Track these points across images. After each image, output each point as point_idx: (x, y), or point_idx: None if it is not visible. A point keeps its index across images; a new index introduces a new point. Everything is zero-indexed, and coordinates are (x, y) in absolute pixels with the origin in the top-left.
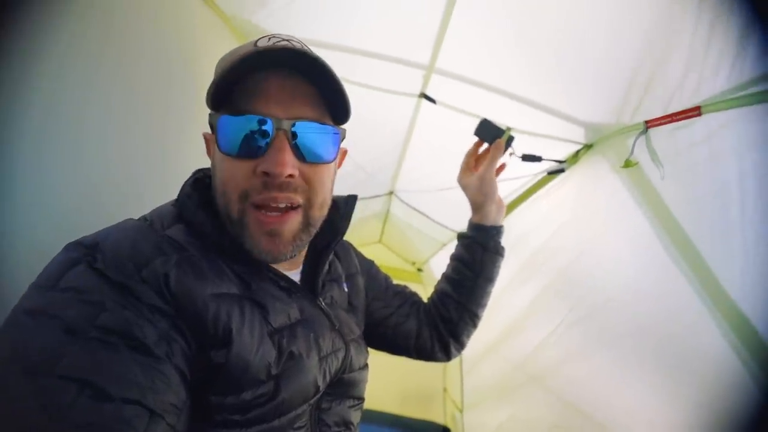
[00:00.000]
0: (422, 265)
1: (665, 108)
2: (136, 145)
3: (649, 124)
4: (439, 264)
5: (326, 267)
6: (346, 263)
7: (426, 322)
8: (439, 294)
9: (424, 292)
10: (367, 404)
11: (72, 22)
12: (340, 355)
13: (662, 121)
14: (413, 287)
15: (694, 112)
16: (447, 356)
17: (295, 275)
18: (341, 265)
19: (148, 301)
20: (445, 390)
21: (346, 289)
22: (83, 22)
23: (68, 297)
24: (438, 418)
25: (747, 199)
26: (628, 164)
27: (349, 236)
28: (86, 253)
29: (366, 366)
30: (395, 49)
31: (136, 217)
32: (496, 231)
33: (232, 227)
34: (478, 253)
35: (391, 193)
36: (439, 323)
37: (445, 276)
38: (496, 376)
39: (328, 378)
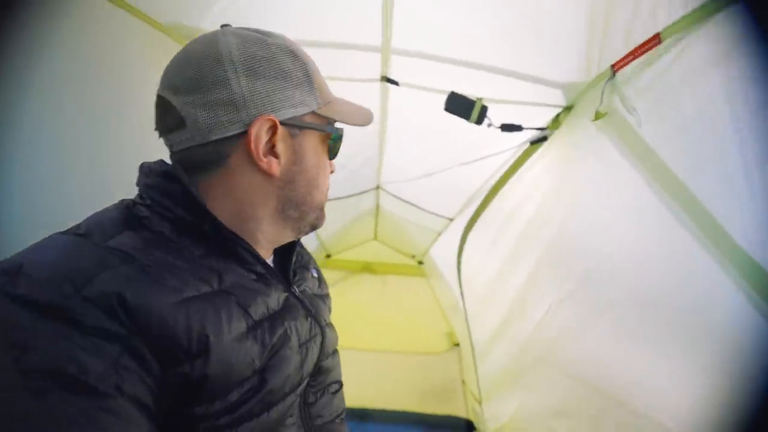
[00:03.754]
0: (422, 257)
1: (629, 47)
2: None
3: (615, 67)
4: (439, 253)
5: (295, 256)
6: (308, 257)
7: None
8: None
9: (428, 285)
10: (387, 404)
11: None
12: (318, 340)
13: (626, 60)
14: (416, 282)
15: (654, 41)
16: None
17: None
18: (305, 255)
19: (91, 323)
20: (463, 382)
21: (315, 275)
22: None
23: None
24: (460, 412)
25: (738, 120)
26: (598, 116)
27: (343, 238)
28: (5, 280)
29: (336, 351)
30: (345, 35)
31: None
32: None
33: (310, 216)
34: None
35: (377, 187)
36: None
37: None
38: (507, 360)
39: (310, 365)
